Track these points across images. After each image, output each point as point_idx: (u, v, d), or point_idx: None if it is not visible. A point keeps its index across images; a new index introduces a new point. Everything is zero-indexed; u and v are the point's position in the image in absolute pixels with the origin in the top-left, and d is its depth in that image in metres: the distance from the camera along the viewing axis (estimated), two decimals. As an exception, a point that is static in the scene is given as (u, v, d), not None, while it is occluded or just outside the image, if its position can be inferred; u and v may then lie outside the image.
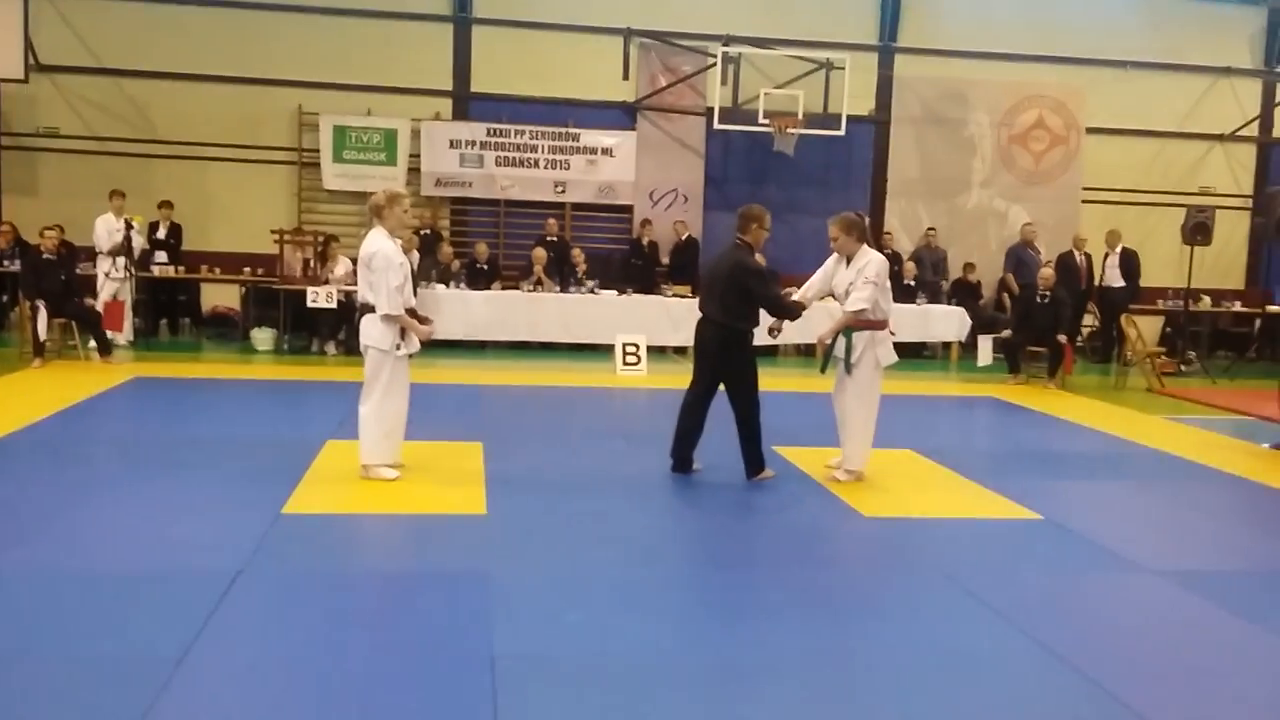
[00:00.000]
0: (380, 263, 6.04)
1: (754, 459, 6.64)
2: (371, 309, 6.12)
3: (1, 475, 6.14)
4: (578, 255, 13.93)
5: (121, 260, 11.70)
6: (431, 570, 4.80)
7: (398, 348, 6.18)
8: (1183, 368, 13.55)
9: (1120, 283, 14.33)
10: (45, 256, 10.72)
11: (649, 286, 13.81)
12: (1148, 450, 8.36)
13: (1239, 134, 16.32)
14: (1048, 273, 12.13)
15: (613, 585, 4.66)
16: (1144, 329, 13.12)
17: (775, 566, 5.11)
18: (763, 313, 6.61)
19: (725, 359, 6.56)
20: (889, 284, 6.67)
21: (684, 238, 14.67)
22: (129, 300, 11.81)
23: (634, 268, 14.35)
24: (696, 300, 6.93)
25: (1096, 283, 14.58)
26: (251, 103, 14.40)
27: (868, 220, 6.88)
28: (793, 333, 7.38)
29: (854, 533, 5.81)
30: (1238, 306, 15.90)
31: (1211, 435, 9.16)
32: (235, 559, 4.71)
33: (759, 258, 6.76)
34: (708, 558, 5.29)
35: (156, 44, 14.18)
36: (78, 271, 11.55)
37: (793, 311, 6.66)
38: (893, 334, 6.76)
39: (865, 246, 6.63)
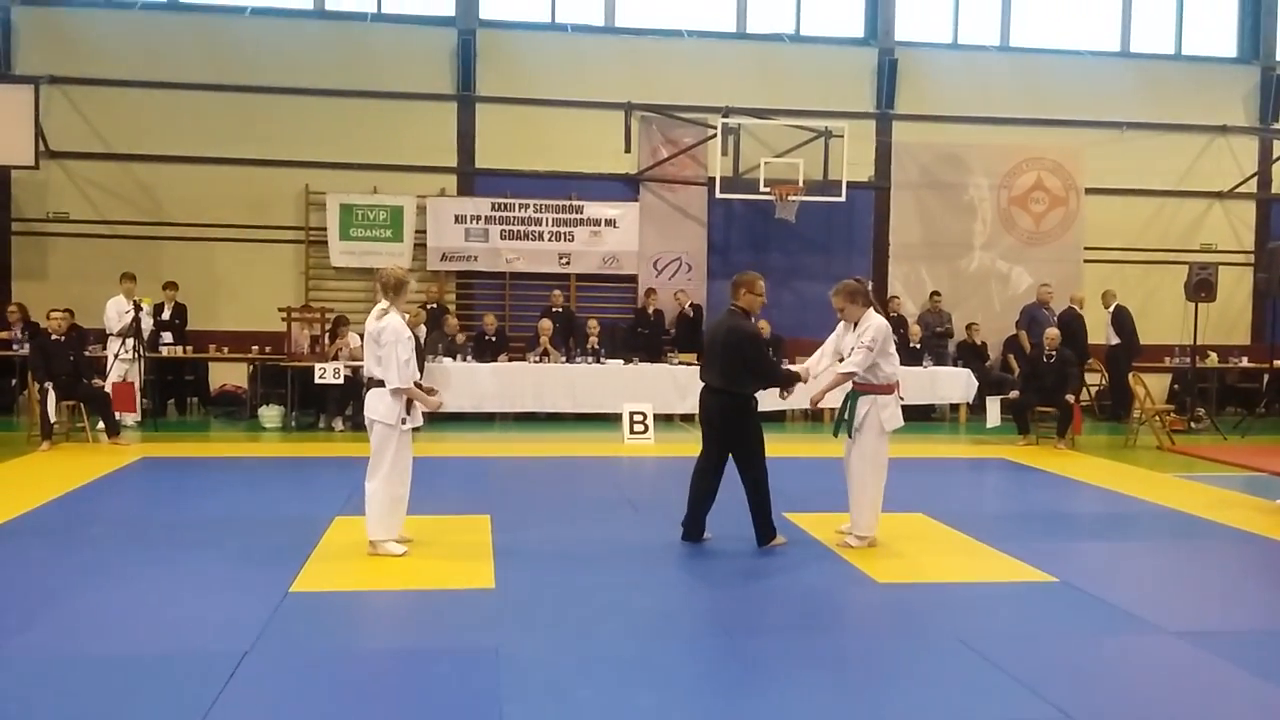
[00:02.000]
0: (389, 337, 6.08)
1: (764, 526, 6.60)
2: (379, 383, 6.15)
3: (8, 558, 6.11)
4: (593, 325, 14.00)
5: (131, 341, 11.77)
6: (440, 646, 4.75)
7: (403, 421, 6.19)
8: (1192, 424, 13.49)
9: (1115, 340, 14.45)
10: (54, 338, 10.80)
11: (655, 355, 13.86)
12: (1160, 509, 8.30)
13: (1238, 191, 16.43)
14: (1053, 332, 12.16)
15: (624, 658, 4.61)
16: (1151, 386, 13.09)
17: (789, 635, 5.04)
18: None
19: (729, 425, 6.56)
20: (892, 348, 6.68)
21: (686, 306, 14.72)
22: (138, 381, 11.86)
23: (640, 336, 14.40)
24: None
25: (1105, 341, 14.65)
26: (259, 184, 14.60)
27: (870, 284, 6.91)
28: (802, 397, 7.37)
29: (867, 599, 5.75)
30: (1244, 362, 15.87)
31: (1223, 492, 9.09)
32: (242, 639, 4.67)
33: (763, 324, 6.79)
34: (720, 628, 5.22)
35: (164, 128, 14.43)
36: (87, 353, 11.62)
37: (785, 381, 6.67)
38: (901, 398, 6.75)
39: (870, 310, 6.67)
